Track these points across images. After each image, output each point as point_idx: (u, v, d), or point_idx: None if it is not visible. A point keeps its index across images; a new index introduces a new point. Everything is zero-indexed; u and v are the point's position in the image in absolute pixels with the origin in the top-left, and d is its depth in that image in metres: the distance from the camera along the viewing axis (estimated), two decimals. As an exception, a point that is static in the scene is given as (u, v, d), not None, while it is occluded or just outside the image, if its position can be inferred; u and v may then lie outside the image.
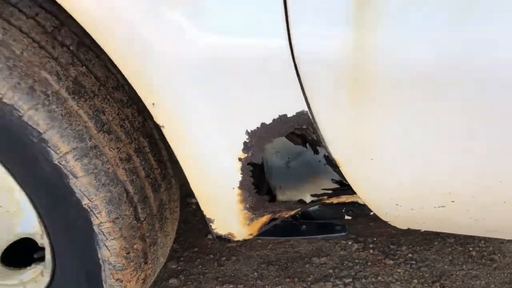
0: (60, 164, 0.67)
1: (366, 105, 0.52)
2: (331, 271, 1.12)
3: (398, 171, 0.59)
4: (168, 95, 0.58)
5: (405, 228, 0.69)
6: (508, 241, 1.17)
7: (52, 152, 0.67)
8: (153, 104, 0.60)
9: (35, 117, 0.65)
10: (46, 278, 0.88)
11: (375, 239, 1.20)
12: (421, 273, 1.10)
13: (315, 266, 1.14)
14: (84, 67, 0.69)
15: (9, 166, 0.72)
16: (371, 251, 1.17)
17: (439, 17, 0.48)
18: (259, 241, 1.18)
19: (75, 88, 0.68)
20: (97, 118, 0.69)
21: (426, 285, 1.07)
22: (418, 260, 1.14)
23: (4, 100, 0.64)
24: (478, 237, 1.19)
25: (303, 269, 1.13)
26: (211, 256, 1.17)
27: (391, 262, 1.14)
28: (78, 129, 0.67)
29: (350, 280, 1.09)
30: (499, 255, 1.15)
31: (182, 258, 1.17)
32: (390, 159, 0.57)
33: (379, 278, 1.10)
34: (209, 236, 1.21)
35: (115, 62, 0.61)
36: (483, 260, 1.13)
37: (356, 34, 0.48)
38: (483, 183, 0.59)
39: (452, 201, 0.61)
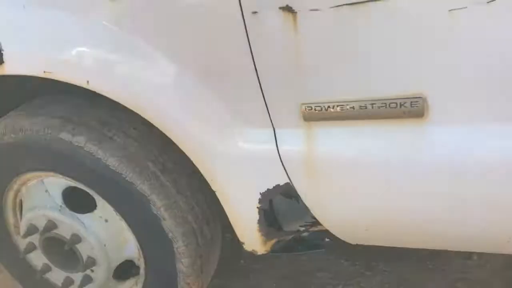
0: (156, 213, 1.18)
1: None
2: (329, 280, 1.61)
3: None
4: (221, 182, 1.09)
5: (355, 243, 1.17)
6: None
7: (152, 206, 1.18)
8: (211, 180, 1.11)
9: (144, 187, 1.16)
10: (139, 286, 1.38)
11: (360, 257, 1.68)
12: (390, 281, 1.57)
13: (317, 278, 1.62)
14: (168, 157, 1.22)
15: (125, 216, 1.24)
16: (357, 266, 1.65)
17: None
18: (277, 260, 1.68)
19: (164, 169, 1.20)
20: (175, 185, 1.21)
21: (393, 288, 1.54)
22: (390, 271, 1.61)
23: (127, 179, 1.16)
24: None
25: (309, 280, 1.61)
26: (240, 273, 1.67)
27: (370, 273, 1.61)
28: (166, 192, 1.19)
29: (341, 287, 1.58)
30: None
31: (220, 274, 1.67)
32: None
33: (361, 285, 1.57)
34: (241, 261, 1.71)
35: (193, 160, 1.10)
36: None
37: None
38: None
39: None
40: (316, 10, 0.84)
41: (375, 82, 0.87)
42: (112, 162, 1.14)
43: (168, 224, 1.19)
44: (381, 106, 0.88)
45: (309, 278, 1.63)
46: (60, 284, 1.41)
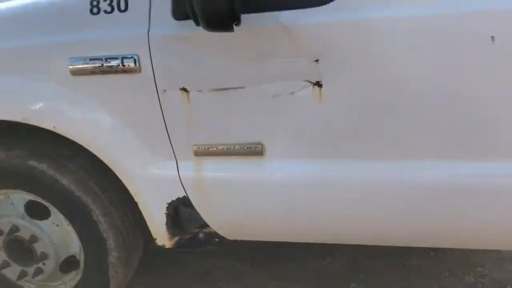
0: (96, 219, 1.70)
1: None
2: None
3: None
4: (141, 196, 1.63)
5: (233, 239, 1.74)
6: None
7: (93, 214, 1.69)
8: (135, 195, 1.65)
9: (88, 200, 1.68)
10: (79, 276, 1.87)
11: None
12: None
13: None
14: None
15: (72, 221, 1.74)
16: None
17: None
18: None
19: (102, 188, 1.73)
20: (110, 199, 1.74)
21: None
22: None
23: (76, 194, 1.68)
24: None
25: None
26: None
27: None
28: (103, 204, 1.71)
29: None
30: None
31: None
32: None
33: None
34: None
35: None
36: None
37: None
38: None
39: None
40: (200, 91, 1.44)
41: (234, 133, 1.48)
42: (66, 182, 1.66)
43: (104, 227, 1.70)
44: (240, 148, 1.49)
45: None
46: (15, 277, 1.86)
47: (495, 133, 1.31)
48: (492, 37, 1.21)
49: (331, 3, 1.29)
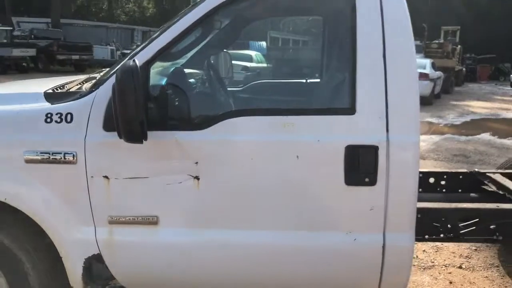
0: (26, 271, 2.23)
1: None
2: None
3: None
4: (65, 253, 2.22)
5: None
6: None
7: (24, 267, 2.23)
8: (60, 252, 2.23)
9: (23, 258, 2.22)
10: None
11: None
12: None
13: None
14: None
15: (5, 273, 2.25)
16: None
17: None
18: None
19: (35, 247, 2.28)
20: (40, 257, 2.29)
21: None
22: None
23: (14, 252, 2.22)
24: None
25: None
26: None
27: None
28: (33, 260, 2.26)
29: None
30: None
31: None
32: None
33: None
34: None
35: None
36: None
37: None
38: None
39: None
40: (117, 178, 2.14)
41: (139, 208, 2.17)
42: (7, 243, 2.21)
43: (32, 279, 2.24)
44: (141, 219, 2.17)
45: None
46: None
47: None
48: (297, 156, 2.07)
49: (206, 129, 2.10)
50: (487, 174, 3.41)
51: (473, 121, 11.91)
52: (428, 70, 15.10)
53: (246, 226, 2.16)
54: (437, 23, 27.00)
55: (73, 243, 2.21)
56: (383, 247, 2.14)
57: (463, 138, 9.25)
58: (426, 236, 2.71)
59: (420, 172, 3.47)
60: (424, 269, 3.62)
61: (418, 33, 25.78)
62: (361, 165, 2.07)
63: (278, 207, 2.13)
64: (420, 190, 3.46)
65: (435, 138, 9.14)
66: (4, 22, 29.70)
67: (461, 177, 3.52)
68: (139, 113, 1.85)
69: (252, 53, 16.29)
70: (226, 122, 2.09)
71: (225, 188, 2.13)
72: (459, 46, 23.25)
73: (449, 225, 2.67)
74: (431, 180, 3.51)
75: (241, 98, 3.00)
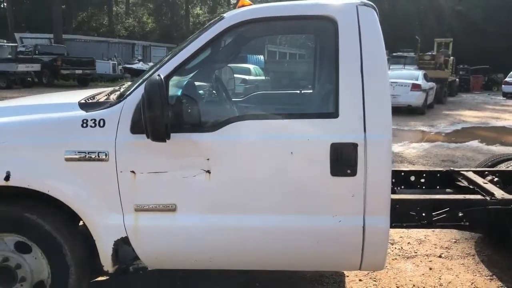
0: (64, 253, 2.66)
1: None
2: None
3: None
4: (99, 238, 2.65)
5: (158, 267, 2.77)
6: None
7: (63, 250, 2.66)
8: (95, 237, 2.66)
9: (61, 241, 2.65)
10: None
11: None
12: None
13: None
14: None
15: (47, 255, 2.68)
16: None
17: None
18: None
19: (70, 232, 2.71)
20: (76, 240, 2.72)
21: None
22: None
23: (55, 237, 2.65)
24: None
25: None
26: None
27: None
28: (70, 243, 2.68)
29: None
30: None
31: None
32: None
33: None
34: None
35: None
36: None
37: None
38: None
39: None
40: (142, 173, 2.58)
41: (159, 198, 2.61)
42: (49, 229, 2.64)
43: (69, 259, 2.67)
44: (162, 206, 2.61)
45: None
46: (-2, 294, 2.71)
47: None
48: (291, 152, 2.52)
49: (215, 131, 2.55)
50: (461, 172, 3.87)
51: (463, 129, 12.39)
52: (420, 81, 15.62)
53: (251, 211, 2.60)
54: (430, 36, 27.66)
55: (104, 227, 2.64)
56: (363, 228, 2.58)
57: (453, 145, 9.72)
58: (404, 224, 3.16)
59: (402, 171, 3.96)
60: (407, 258, 4.05)
61: (411, 45, 26.45)
62: (343, 159, 2.52)
63: (276, 195, 2.58)
64: (402, 187, 3.93)
65: (426, 145, 9.61)
66: (7, 38, 30.33)
67: (438, 175, 3.99)
68: (163, 117, 2.29)
69: (251, 66, 16.84)
70: (231, 125, 2.55)
71: (232, 180, 2.58)
72: (452, 57, 23.82)
73: (423, 214, 3.12)
74: (412, 178, 3.97)
75: (243, 106, 3.48)
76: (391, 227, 3.06)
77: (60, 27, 31.04)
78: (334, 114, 2.53)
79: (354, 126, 2.51)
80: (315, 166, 2.55)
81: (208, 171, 2.56)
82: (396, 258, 4.04)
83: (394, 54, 25.15)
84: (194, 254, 2.69)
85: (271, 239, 2.63)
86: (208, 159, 2.55)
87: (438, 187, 3.95)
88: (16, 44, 24.79)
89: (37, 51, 23.48)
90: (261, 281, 3.53)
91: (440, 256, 4.09)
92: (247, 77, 14.58)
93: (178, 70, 2.62)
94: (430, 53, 22.45)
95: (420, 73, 16.52)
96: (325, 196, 2.58)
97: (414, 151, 8.90)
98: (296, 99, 3.81)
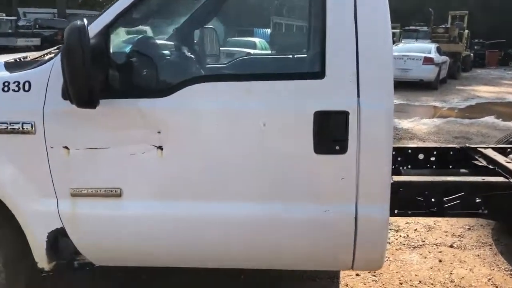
0: None
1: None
2: None
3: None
4: (28, 227, 2.14)
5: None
6: None
7: None
8: (24, 227, 2.16)
9: None
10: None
11: None
12: None
13: None
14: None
15: None
16: None
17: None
18: None
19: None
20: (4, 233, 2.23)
21: None
22: None
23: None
24: None
25: None
26: None
27: None
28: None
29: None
30: None
31: None
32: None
33: None
34: None
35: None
36: None
37: None
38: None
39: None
40: (77, 148, 2.05)
41: (101, 180, 2.09)
42: None
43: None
44: (104, 191, 2.09)
45: None
46: None
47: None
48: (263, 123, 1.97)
49: (168, 96, 2.00)
50: (478, 149, 3.29)
51: (478, 105, 11.68)
52: (433, 54, 14.85)
53: (213, 198, 2.08)
54: (444, 8, 26.55)
55: (35, 215, 2.14)
56: (356, 218, 2.04)
57: (466, 121, 9.07)
58: (409, 212, 2.61)
59: (409, 148, 3.39)
60: (414, 248, 3.52)
61: (425, 18, 25.44)
62: (330, 132, 1.97)
63: (245, 178, 2.05)
64: (409, 166, 3.37)
65: (437, 121, 8.97)
66: (10, 13, 29.76)
67: (451, 152, 3.41)
68: (86, 75, 1.75)
69: (256, 40, 16.15)
70: (188, 89, 2.00)
71: (190, 159, 2.05)
72: (466, 30, 22.85)
73: (432, 199, 2.57)
74: (421, 156, 3.40)
75: (210, 68, 2.87)
76: (393, 215, 2.54)
77: (64, 1, 30.37)
78: (319, 74, 1.96)
79: (345, 90, 1.96)
80: (294, 141, 2.00)
81: (160, 147, 2.03)
82: (400, 248, 3.51)
83: (406, 28, 24.19)
84: (145, 249, 2.18)
85: (239, 232, 2.11)
86: (159, 132, 2.02)
87: (451, 166, 3.38)
88: (16, 18, 24.18)
89: (37, 25, 22.86)
90: (245, 271, 3.02)
91: (451, 246, 3.55)
92: (252, 50, 13.96)
93: (124, 19, 2.05)
94: (444, 25, 21.49)
95: (433, 46, 15.72)
96: (307, 180, 2.04)
97: (425, 127, 8.28)
98: (283, 62, 3.21)
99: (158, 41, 2.58)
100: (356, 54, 1.94)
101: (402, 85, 13.80)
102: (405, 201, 2.56)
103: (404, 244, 3.57)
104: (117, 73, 2.03)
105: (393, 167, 3.29)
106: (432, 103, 11.65)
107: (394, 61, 14.05)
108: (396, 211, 2.57)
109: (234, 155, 2.03)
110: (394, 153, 3.30)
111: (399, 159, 3.35)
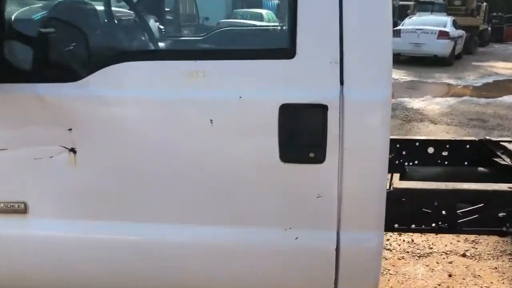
0: None
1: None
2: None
3: None
4: None
5: None
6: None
7: None
8: None
9: None
10: None
11: None
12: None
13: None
14: None
15: None
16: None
17: None
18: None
19: None
20: None
21: None
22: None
23: None
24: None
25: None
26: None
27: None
28: None
29: None
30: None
31: None
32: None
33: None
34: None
35: None
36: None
37: None
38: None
39: None
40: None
41: (1, 191, 1.56)
42: None
43: None
44: (4, 206, 1.57)
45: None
46: None
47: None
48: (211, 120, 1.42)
49: (81, 80, 1.45)
50: (501, 143, 2.71)
51: (495, 83, 10.93)
52: (448, 28, 13.99)
53: (142, 218, 1.55)
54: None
55: None
56: (337, 249, 1.50)
57: (483, 100, 8.38)
58: (413, 226, 2.07)
59: (416, 141, 2.82)
60: (419, 257, 2.98)
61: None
62: (302, 133, 1.41)
63: (185, 193, 1.51)
64: (416, 162, 2.81)
65: (451, 100, 8.30)
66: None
67: (468, 146, 2.82)
68: None
69: (264, 11, 15.43)
70: (108, 70, 1.44)
71: (111, 165, 1.51)
72: (484, 3, 21.77)
73: (443, 212, 2.02)
74: (430, 150, 2.82)
75: (150, 43, 2.21)
76: (393, 230, 2.03)
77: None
78: (288, 52, 1.39)
79: (323, 74, 1.39)
80: (253, 145, 1.45)
81: (73, 150, 1.49)
82: (403, 257, 2.98)
83: (421, 0, 23.10)
84: (54, 278, 1.67)
85: (177, 262, 1.59)
86: (70, 130, 1.48)
87: (466, 163, 2.80)
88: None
89: None
90: None
91: (464, 255, 3.01)
92: (258, 23, 13.28)
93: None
94: (461, -2, 20.44)
95: (448, 20, 14.84)
96: (271, 197, 1.50)
97: (438, 107, 7.64)
98: (249, 36, 2.57)
99: (98, 7, 2.00)
100: (339, 25, 1.36)
101: (414, 61, 13.11)
102: (408, 213, 2.02)
103: (408, 252, 3.03)
104: (16, 48, 1.48)
105: (397, 162, 2.77)
106: (446, 80, 10.92)
107: (407, 35, 13.65)
108: (396, 225, 2.04)
109: (169, 163, 1.48)
110: (398, 146, 2.76)
111: (404, 153, 2.78)
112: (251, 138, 1.44)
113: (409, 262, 2.91)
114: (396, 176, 2.16)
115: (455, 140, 2.87)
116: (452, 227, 2.03)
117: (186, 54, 1.52)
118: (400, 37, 13.53)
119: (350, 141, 1.40)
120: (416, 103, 7.84)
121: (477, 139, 2.82)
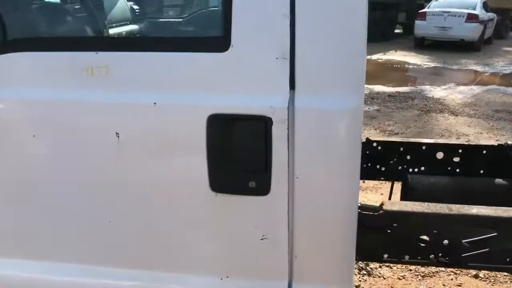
0: None
1: None
2: None
3: None
4: None
5: None
6: None
7: None
8: None
9: None
10: None
11: None
12: None
13: None
14: None
15: None
16: None
17: None
18: None
19: None
20: None
21: None
22: None
23: None
24: None
25: None
26: None
27: None
28: None
29: None
30: None
31: None
32: None
33: None
34: None
35: None
36: None
37: None
38: None
39: None
40: None
41: None
42: None
43: None
44: None
45: None
46: None
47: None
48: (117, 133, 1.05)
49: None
50: None
51: (527, 70, 10.26)
52: (478, 11, 13.19)
53: (27, 254, 1.20)
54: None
55: None
56: (289, 307, 1.13)
57: (511, 90, 7.78)
58: (406, 257, 1.68)
59: (423, 144, 2.42)
60: (423, 277, 2.59)
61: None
62: (239, 154, 1.03)
63: (84, 227, 1.15)
64: (422, 168, 2.41)
65: (476, 89, 7.72)
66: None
67: (484, 152, 2.38)
68: None
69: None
70: None
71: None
72: (519, -16, 20.65)
73: (444, 242, 1.62)
74: (439, 155, 2.39)
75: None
76: (381, 261, 1.65)
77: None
78: (220, 43, 1.00)
79: (266, 74, 1.00)
80: (174, 169, 1.08)
81: None
82: (404, 277, 2.58)
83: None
84: None
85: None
86: None
87: (482, 171, 2.37)
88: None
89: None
90: None
91: (476, 277, 2.60)
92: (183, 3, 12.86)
93: None
94: (493, -22, 19.41)
95: (478, 1, 14.00)
96: (200, 237, 1.12)
97: (460, 96, 7.10)
98: (181, 22, 2.08)
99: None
100: (290, 5, 0.96)
101: (440, 46, 12.46)
102: (401, 243, 1.63)
103: (410, 270, 2.63)
104: None
105: (399, 168, 2.38)
106: (473, 67, 10.27)
107: (433, 18, 12.96)
108: (385, 255, 1.66)
109: (63, 189, 1.12)
110: (401, 149, 2.36)
111: (408, 157, 2.38)
112: (171, 159, 1.07)
113: (410, 283, 2.52)
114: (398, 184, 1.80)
115: (470, 145, 2.43)
116: (455, 261, 1.64)
117: (84, 43, 1.13)
118: (425, 20, 12.87)
119: (303, 166, 1.02)
120: (437, 91, 7.31)
121: (496, 144, 2.38)
